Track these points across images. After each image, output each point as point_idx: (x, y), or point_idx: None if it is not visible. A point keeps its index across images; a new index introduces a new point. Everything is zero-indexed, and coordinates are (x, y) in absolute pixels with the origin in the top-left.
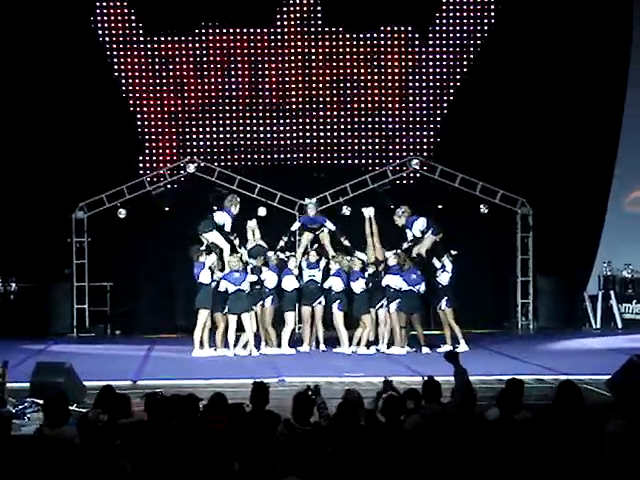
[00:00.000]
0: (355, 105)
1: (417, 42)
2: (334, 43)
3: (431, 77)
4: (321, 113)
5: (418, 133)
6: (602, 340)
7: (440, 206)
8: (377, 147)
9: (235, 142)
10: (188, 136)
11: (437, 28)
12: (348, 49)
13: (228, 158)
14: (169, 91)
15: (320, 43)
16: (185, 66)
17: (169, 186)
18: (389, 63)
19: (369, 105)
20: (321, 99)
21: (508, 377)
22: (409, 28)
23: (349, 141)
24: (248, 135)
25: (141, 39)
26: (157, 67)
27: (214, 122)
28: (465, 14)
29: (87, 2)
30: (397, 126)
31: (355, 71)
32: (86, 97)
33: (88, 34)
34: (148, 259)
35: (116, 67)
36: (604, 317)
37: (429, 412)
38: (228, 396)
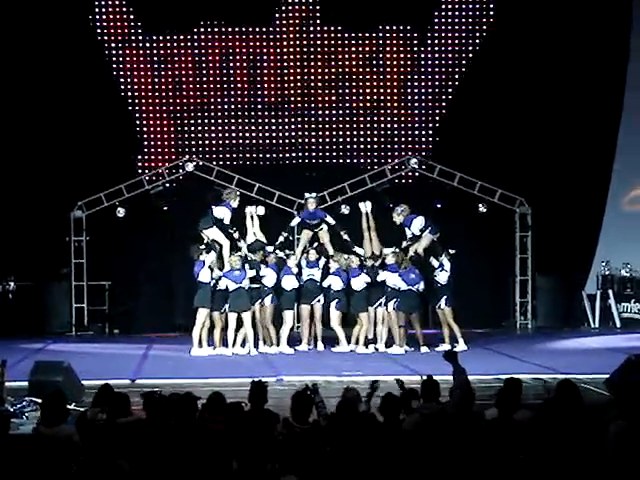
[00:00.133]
0: (354, 104)
1: (416, 41)
2: (333, 42)
3: (430, 76)
4: (320, 112)
5: (417, 132)
6: (600, 339)
7: (439, 205)
8: (376, 146)
9: (234, 141)
10: (187, 135)
11: (436, 27)
12: (347, 48)
13: (227, 157)
14: (168, 90)
15: (319, 42)
16: (184, 65)
17: (168, 185)
18: (388, 62)
19: (368, 104)
20: (320, 98)
21: (506, 376)
22: (408, 27)
23: (348, 140)
24: (247, 134)
25: (140, 38)
26: (156, 66)
27: (213, 121)
28: (464, 13)
29: (86, 1)
30: (396, 125)
31: (354, 70)
32: (85, 96)
33: (87, 33)
34: (147, 258)
35: (115, 66)
36: (602, 316)
37: (428, 411)
38: (226, 395)
